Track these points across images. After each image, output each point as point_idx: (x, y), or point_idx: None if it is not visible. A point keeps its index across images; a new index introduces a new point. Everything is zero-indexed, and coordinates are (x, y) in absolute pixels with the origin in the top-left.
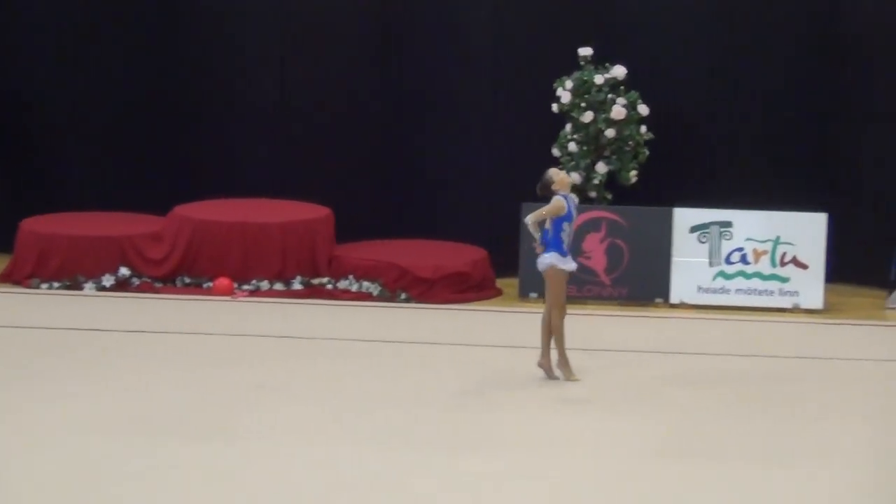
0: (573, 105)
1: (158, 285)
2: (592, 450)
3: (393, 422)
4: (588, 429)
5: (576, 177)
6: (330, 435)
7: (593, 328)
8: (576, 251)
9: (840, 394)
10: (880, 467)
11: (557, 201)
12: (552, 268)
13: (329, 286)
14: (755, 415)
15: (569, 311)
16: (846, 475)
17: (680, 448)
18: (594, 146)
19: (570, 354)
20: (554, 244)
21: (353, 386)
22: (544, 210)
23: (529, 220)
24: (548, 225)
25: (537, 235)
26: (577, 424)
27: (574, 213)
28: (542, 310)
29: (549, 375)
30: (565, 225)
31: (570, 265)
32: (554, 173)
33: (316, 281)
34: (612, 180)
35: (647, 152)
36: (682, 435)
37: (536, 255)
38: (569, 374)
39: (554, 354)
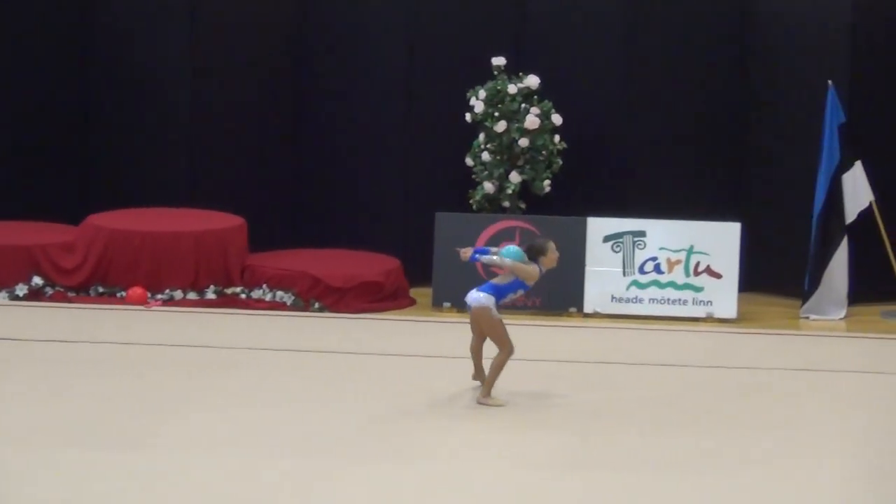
0: (486, 114)
1: (72, 294)
2: (510, 459)
3: (310, 431)
4: (505, 439)
5: (489, 186)
6: (246, 445)
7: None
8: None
9: (752, 403)
10: (791, 477)
11: (534, 269)
12: (486, 310)
13: (242, 296)
14: (669, 424)
15: None
16: (760, 484)
17: (595, 458)
18: (508, 156)
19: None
20: (498, 293)
21: (268, 395)
22: (516, 267)
23: (497, 260)
24: (505, 280)
25: (486, 259)
26: (493, 434)
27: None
28: (456, 319)
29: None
30: (520, 291)
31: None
32: (551, 249)
33: (229, 290)
34: (525, 190)
35: (561, 162)
36: (597, 445)
37: (459, 259)
38: (497, 401)
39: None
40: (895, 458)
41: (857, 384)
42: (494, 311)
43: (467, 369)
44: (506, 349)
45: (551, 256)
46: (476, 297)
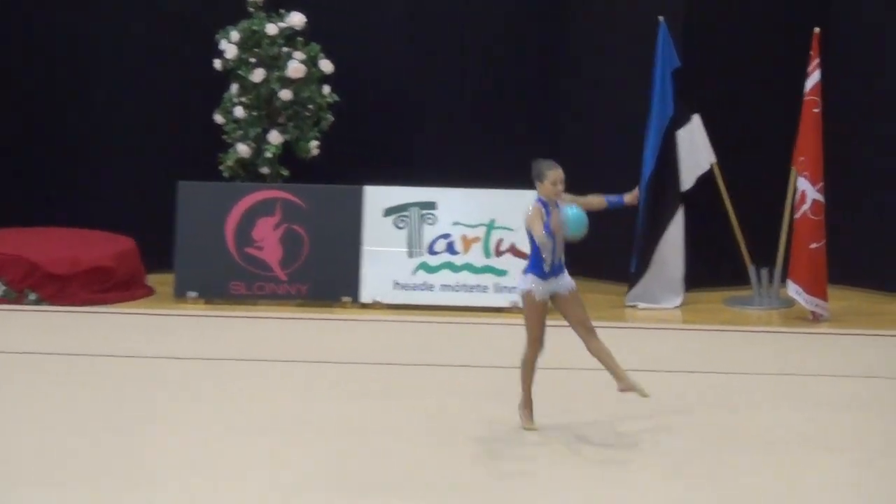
0: (240, 61)
1: None
2: (259, 473)
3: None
4: (261, 451)
5: (244, 149)
6: None
7: (267, 333)
8: (245, 241)
9: (560, 409)
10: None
11: (533, 210)
12: (527, 294)
13: None
14: (456, 435)
15: (238, 313)
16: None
17: (363, 477)
18: (266, 111)
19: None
20: (532, 262)
21: None
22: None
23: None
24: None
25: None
26: (251, 448)
27: (551, 223)
28: (203, 311)
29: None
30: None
31: (549, 287)
32: (548, 170)
33: None
34: (288, 153)
35: (332, 118)
36: (369, 457)
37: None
38: (527, 421)
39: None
40: (707, 466)
41: (688, 384)
42: (534, 290)
43: (220, 371)
44: (532, 345)
45: (547, 184)
46: (518, 282)
